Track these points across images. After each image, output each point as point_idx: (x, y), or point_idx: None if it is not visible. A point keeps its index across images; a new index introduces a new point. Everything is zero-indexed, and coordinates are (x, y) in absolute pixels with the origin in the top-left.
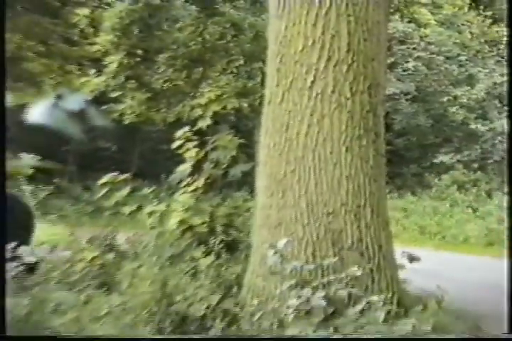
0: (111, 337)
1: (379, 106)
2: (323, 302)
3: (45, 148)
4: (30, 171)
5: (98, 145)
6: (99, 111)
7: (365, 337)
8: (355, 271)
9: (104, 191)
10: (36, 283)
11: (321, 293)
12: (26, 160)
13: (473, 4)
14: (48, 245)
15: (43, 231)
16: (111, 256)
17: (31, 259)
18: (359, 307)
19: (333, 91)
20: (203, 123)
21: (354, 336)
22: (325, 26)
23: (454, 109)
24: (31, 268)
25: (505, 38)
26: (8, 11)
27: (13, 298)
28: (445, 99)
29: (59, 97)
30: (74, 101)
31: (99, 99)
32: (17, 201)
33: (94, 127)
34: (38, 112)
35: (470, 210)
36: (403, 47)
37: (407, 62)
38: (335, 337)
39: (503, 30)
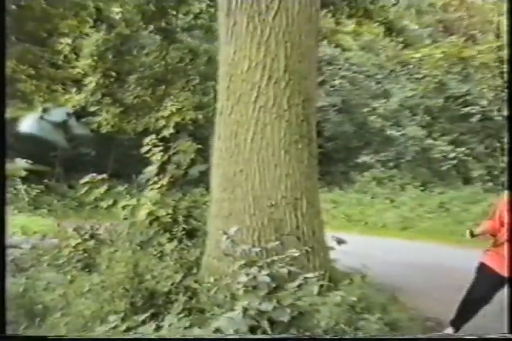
0: (111, 337)
1: (311, 117)
2: (268, 279)
3: (36, 154)
4: (24, 173)
5: (80, 151)
6: (80, 122)
7: (364, 337)
8: (294, 252)
9: (85, 189)
10: (31, 265)
11: (265, 271)
12: (20, 164)
13: (387, 32)
14: (39, 234)
15: (35, 223)
16: (92, 242)
17: None
18: (297, 282)
19: (273, 105)
20: (167, 132)
21: (354, 336)
22: (266, 51)
23: (372, 118)
24: None
25: (414, 59)
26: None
27: (13, 278)
28: (365, 110)
29: (45, 111)
30: (57, 114)
31: (80, 113)
32: None
33: (75, 135)
34: (27, 124)
35: (387, 201)
36: (330, 67)
37: (334, 80)
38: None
39: (412, 52)
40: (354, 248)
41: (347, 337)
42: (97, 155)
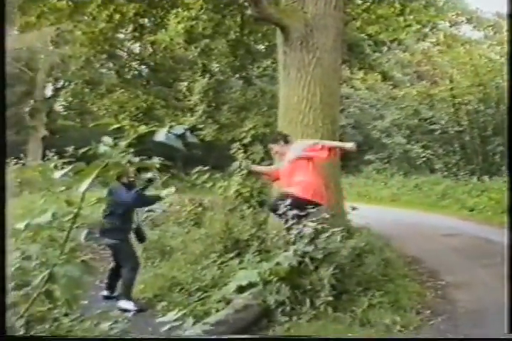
0: (111, 337)
1: (336, 131)
2: (309, 231)
3: (166, 154)
4: (158, 166)
5: (193, 152)
6: (192, 134)
7: (364, 337)
8: (325, 215)
9: (195, 175)
10: (162, 222)
11: (308, 227)
12: (155, 161)
13: (382, 78)
14: (168, 203)
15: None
16: (200, 209)
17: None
18: (327, 234)
19: (312, 123)
20: (246, 141)
21: (357, 335)
22: (308, 90)
23: (374, 132)
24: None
25: (399, 95)
26: (146, 84)
27: (151, 230)
28: (369, 127)
29: (170, 127)
30: (178, 129)
31: (192, 129)
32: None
33: (189, 143)
34: (159, 135)
35: (383, 183)
36: (348, 100)
37: (350, 108)
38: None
39: (396, 91)
40: (362, 212)
41: (347, 337)
42: (203, 155)
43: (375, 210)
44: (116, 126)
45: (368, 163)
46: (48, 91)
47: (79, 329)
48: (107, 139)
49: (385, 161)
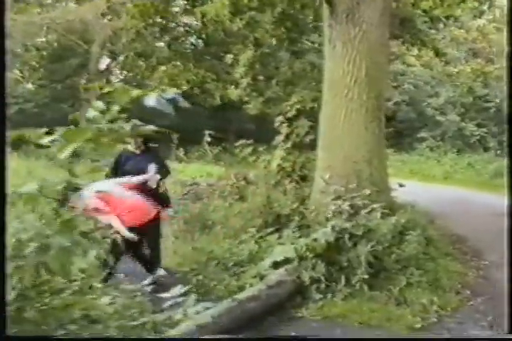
0: (111, 337)
1: (382, 106)
2: (348, 208)
3: (218, 128)
4: (209, 139)
5: (245, 126)
6: (183, 99)
7: (365, 337)
8: (367, 191)
9: (239, 149)
10: (206, 196)
11: (347, 203)
12: (151, 127)
13: (437, 55)
14: (214, 177)
15: (214, 169)
16: (243, 183)
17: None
18: (367, 210)
19: (357, 97)
20: (290, 114)
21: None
22: (353, 63)
23: (428, 109)
24: None
25: (454, 72)
26: (199, 59)
27: (192, 203)
28: (423, 104)
29: (162, 91)
30: (169, 93)
31: (239, 101)
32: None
33: (180, 108)
34: (150, 100)
35: (436, 161)
36: (402, 77)
37: (404, 85)
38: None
39: (450, 68)
40: (413, 189)
41: (347, 336)
42: (256, 129)
43: (427, 188)
44: (107, 89)
45: (421, 140)
46: (103, 64)
47: (79, 302)
48: (98, 104)
49: (438, 139)
